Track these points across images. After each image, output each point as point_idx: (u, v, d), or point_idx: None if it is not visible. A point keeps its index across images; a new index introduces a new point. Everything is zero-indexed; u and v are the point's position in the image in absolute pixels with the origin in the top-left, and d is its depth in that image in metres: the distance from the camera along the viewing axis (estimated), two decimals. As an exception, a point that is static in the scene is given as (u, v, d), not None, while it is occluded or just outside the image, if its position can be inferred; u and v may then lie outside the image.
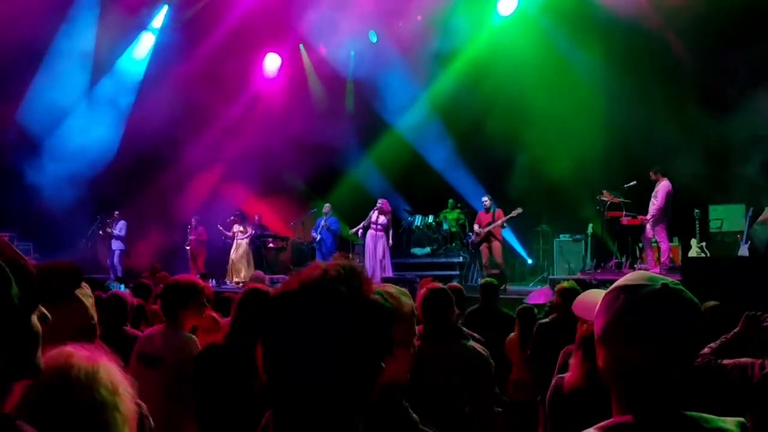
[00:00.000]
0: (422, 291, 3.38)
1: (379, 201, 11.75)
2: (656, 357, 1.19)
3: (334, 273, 1.08)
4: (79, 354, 1.27)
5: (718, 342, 3.31)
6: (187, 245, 13.53)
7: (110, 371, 1.28)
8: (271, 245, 14.01)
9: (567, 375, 2.79)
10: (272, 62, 14.89)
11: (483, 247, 11.51)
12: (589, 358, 2.69)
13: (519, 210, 11.23)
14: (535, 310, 5.66)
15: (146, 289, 5.97)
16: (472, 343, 3.32)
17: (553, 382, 2.87)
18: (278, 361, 1.06)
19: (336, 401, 1.05)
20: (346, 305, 1.05)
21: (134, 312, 4.58)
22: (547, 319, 5.02)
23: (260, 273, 9.28)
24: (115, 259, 13.23)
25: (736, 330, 3.41)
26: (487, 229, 11.40)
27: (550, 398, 2.84)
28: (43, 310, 1.16)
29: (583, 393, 2.60)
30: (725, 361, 3.00)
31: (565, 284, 5.22)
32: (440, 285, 3.44)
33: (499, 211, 11.45)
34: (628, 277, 1.29)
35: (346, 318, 1.05)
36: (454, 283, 6.60)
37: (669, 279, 1.26)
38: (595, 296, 1.34)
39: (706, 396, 2.65)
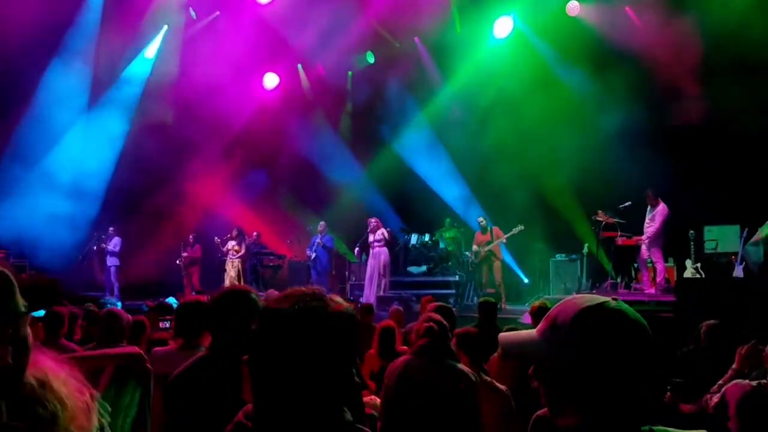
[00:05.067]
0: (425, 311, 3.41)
1: (371, 220, 11.81)
2: (600, 378, 1.18)
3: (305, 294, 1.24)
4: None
5: (717, 386, 3.35)
6: (179, 261, 13.51)
7: (57, 375, 1.25)
8: (267, 263, 14.01)
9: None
10: (270, 81, 15.00)
11: (483, 267, 11.56)
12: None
13: (520, 227, 11.28)
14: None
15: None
16: (461, 365, 3.34)
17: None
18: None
19: (319, 406, 1.19)
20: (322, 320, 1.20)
21: (131, 329, 4.58)
22: None
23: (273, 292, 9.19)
24: (111, 276, 13.19)
25: (733, 367, 3.44)
26: (487, 249, 11.46)
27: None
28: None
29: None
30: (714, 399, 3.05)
31: (536, 303, 5.28)
32: (443, 304, 3.47)
33: (496, 229, 11.52)
34: (567, 301, 1.29)
35: (324, 331, 1.19)
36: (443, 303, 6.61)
37: (609, 298, 1.26)
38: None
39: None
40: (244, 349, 2.43)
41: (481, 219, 11.68)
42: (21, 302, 1.19)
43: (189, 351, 3.32)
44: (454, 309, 3.59)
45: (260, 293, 10.41)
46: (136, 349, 2.03)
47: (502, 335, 1.38)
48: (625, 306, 1.24)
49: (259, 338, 1.22)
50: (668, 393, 4.30)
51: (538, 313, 5.11)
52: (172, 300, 8.89)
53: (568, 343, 1.21)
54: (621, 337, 1.19)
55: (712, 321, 4.61)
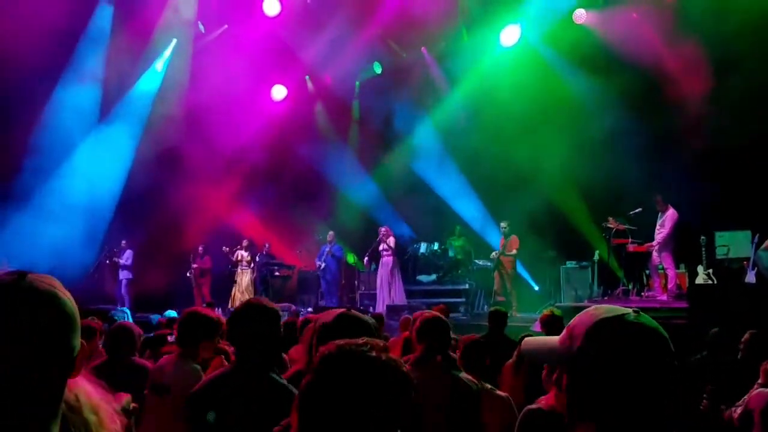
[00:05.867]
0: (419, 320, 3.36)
1: (381, 229, 11.88)
2: (615, 388, 1.19)
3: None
4: None
5: (741, 400, 3.33)
6: (189, 273, 13.58)
7: (87, 391, 1.24)
8: (277, 274, 14.04)
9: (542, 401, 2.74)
10: (279, 93, 15.10)
11: (495, 274, 11.53)
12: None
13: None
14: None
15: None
16: (463, 374, 3.31)
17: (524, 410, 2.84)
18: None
19: None
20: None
21: (141, 342, 4.60)
22: None
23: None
24: (123, 289, 13.25)
25: (759, 382, 3.40)
26: (497, 256, 11.46)
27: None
28: None
29: (552, 417, 2.59)
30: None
31: (546, 312, 5.28)
32: (437, 314, 3.43)
33: (514, 237, 11.46)
34: (593, 311, 1.30)
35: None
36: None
37: (629, 310, 1.26)
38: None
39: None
40: (268, 365, 2.46)
41: (503, 224, 11.66)
42: (79, 339, 1.14)
43: (183, 361, 3.34)
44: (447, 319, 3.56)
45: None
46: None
47: (527, 340, 1.40)
48: (647, 319, 1.24)
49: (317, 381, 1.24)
50: (704, 401, 4.28)
51: (548, 322, 5.11)
52: (171, 313, 8.87)
53: (583, 354, 1.22)
54: (634, 351, 1.20)
55: (752, 331, 4.59)
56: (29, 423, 1.05)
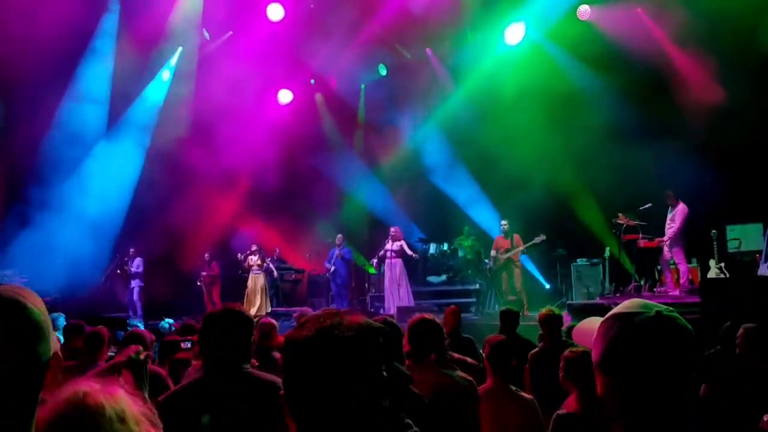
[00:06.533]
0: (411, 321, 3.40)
1: (391, 228, 11.86)
2: (650, 384, 1.20)
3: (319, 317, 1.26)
4: (98, 391, 1.21)
5: None
6: (199, 282, 13.65)
7: (129, 403, 1.23)
8: (287, 278, 14.07)
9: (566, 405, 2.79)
10: (285, 97, 15.15)
11: (503, 274, 11.49)
12: (586, 387, 2.72)
13: (542, 237, 11.19)
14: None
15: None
16: (459, 372, 3.33)
17: (554, 416, 2.87)
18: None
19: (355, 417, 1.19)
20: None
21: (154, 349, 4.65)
22: (536, 349, 5.04)
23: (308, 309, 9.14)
24: (135, 296, 13.32)
25: None
26: (506, 256, 11.39)
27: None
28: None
29: (582, 421, 2.61)
30: None
31: (543, 311, 5.29)
32: (429, 316, 3.45)
33: (517, 237, 11.42)
34: (624, 305, 1.30)
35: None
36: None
37: (663, 306, 1.27)
38: (593, 324, 1.36)
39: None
40: (240, 371, 2.46)
41: (504, 223, 11.61)
42: (49, 348, 1.12)
43: None
44: (438, 319, 3.57)
45: (281, 308, 10.48)
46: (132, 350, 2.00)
47: (578, 326, 1.47)
48: (667, 317, 1.24)
49: (285, 367, 1.24)
50: (703, 387, 4.22)
51: (546, 321, 5.13)
52: (165, 325, 8.86)
53: (609, 354, 1.24)
54: (655, 349, 1.20)
55: (749, 325, 4.49)
56: None
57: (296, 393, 1.20)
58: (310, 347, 1.19)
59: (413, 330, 3.29)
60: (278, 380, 2.47)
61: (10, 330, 1.07)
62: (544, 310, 5.28)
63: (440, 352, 3.34)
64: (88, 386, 1.20)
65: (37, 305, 1.15)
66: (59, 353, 1.17)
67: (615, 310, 1.30)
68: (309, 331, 1.21)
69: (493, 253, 11.73)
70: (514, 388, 3.69)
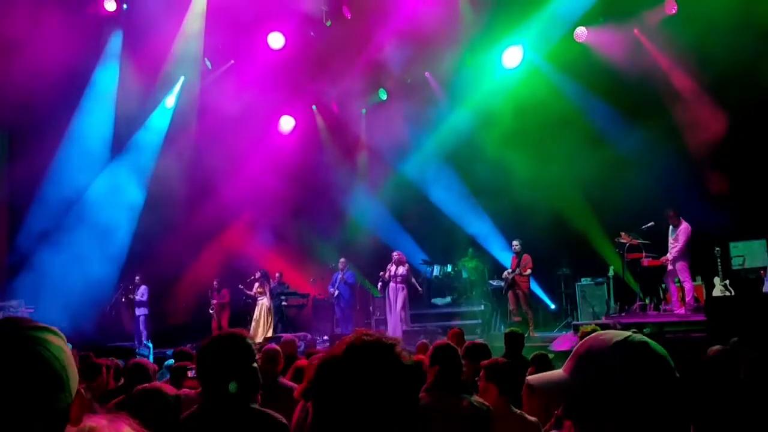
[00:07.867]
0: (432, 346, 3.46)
1: (394, 253, 11.85)
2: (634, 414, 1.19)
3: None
4: (104, 427, 1.20)
5: None
6: (211, 309, 13.65)
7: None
8: (291, 303, 14.05)
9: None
10: (287, 124, 15.29)
11: (509, 294, 11.47)
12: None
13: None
14: (551, 356, 5.58)
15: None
16: (475, 397, 3.35)
17: None
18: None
19: None
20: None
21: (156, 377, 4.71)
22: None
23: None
24: (141, 325, 13.29)
25: None
26: (511, 275, 11.40)
27: None
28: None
29: None
30: None
31: (537, 353, 5.23)
32: (446, 341, 3.50)
33: (526, 256, 11.40)
34: (593, 338, 1.30)
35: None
36: (479, 340, 6.55)
37: (629, 332, 1.27)
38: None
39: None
40: (243, 407, 2.36)
41: (515, 243, 11.62)
42: (70, 393, 1.11)
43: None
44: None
45: (284, 335, 10.41)
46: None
47: (530, 378, 1.38)
48: (642, 338, 1.25)
49: (316, 386, 1.30)
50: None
51: (538, 363, 4.97)
52: (171, 362, 8.77)
53: (597, 381, 1.23)
54: (639, 376, 1.20)
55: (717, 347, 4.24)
56: None
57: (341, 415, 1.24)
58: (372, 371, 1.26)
59: (436, 353, 3.36)
60: (285, 422, 2.41)
61: (27, 383, 1.05)
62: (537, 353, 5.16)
63: (458, 377, 3.39)
64: (96, 422, 1.20)
65: (60, 343, 1.13)
66: (82, 391, 1.17)
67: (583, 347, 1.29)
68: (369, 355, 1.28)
69: (505, 273, 11.74)
70: (519, 411, 3.69)
